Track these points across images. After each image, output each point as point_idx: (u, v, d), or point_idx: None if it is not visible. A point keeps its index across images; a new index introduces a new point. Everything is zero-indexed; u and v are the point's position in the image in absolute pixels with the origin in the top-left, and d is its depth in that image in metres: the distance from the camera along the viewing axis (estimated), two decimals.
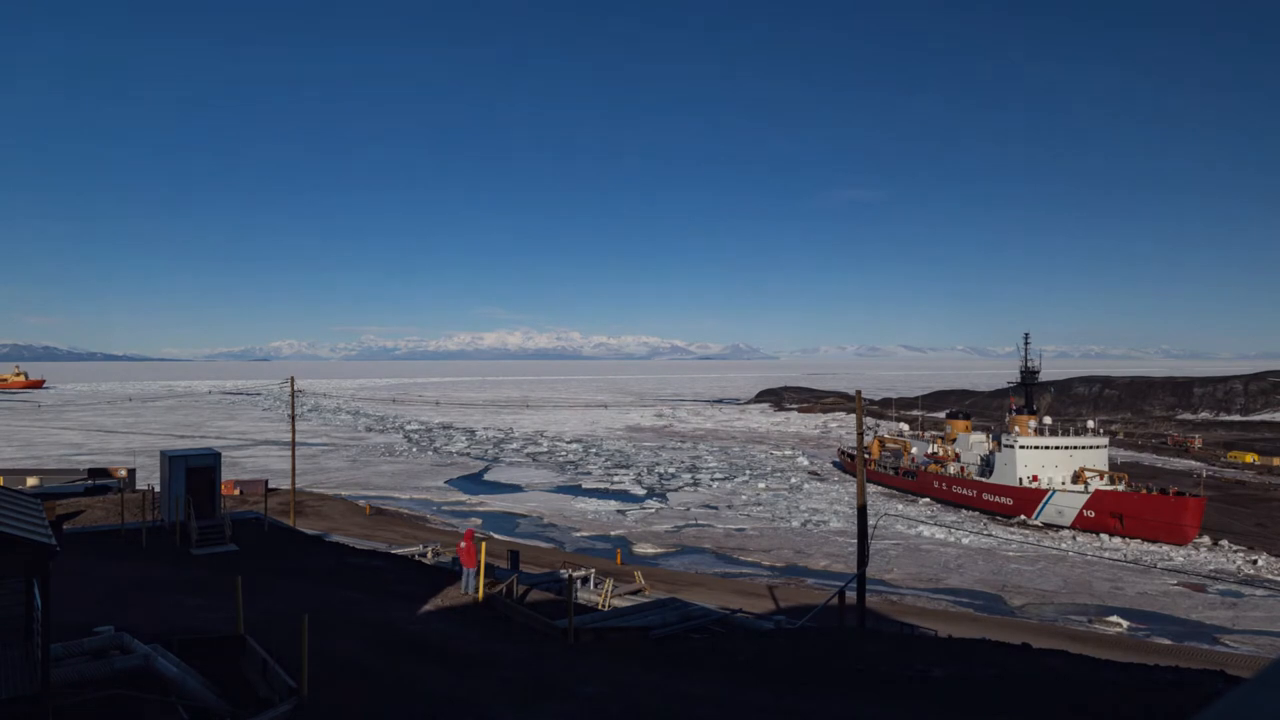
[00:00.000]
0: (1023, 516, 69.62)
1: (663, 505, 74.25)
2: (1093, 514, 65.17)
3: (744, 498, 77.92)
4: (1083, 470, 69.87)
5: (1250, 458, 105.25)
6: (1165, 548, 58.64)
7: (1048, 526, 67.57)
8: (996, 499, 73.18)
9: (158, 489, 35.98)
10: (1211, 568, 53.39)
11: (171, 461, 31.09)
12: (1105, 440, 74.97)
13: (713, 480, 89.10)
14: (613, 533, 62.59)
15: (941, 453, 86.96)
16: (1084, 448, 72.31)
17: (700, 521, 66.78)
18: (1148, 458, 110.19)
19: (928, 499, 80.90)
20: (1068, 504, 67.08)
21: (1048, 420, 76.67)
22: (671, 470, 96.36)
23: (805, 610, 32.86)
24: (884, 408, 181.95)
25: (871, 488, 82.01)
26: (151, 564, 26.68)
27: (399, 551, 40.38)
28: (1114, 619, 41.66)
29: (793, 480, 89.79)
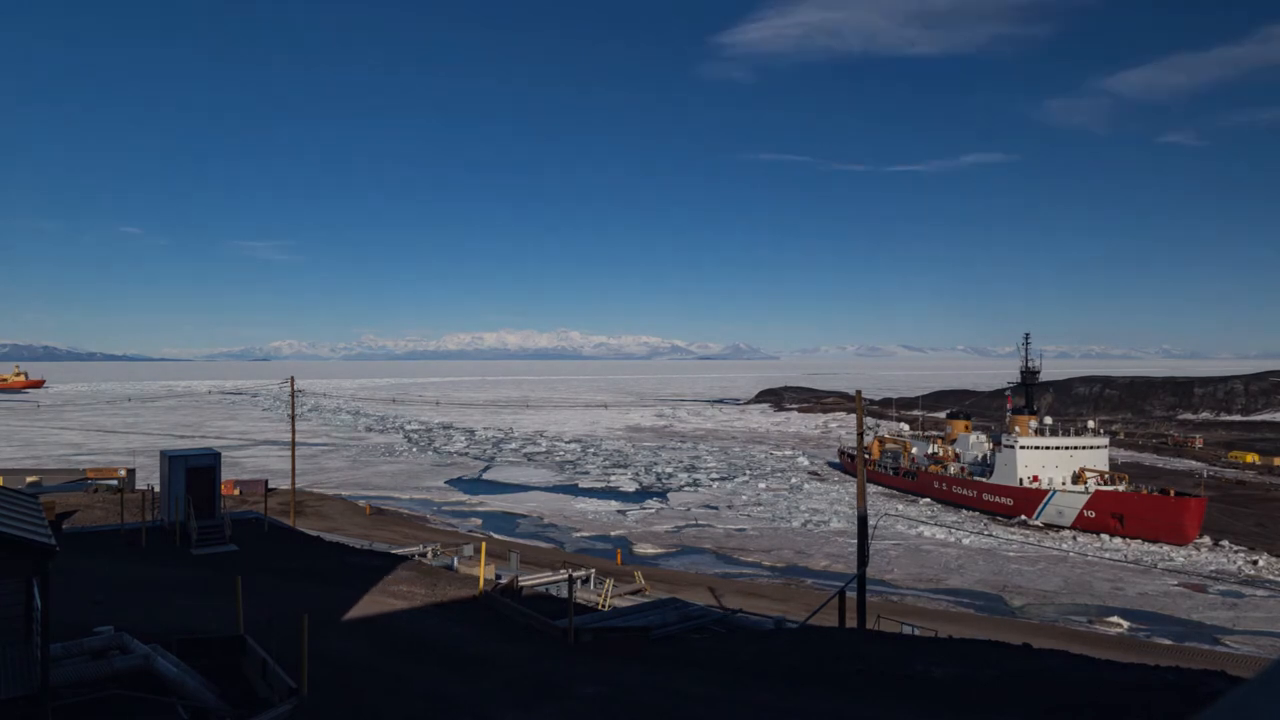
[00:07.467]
0: (1023, 517, 69.59)
1: (663, 505, 74.24)
2: (1093, 514, 65.13)
3: (744, 498, 77.91)
4: (1083, 470, 69.84)
5: (1251, 458, 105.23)
6: (1166, 548, 58.62)
7: (1048, 527, 67.53)
8: (996, 499, 73.14)
9: (158, 489, 35.98)
10: (1212, 568, 53.38)
11: (171, 461, 31.09)
12: (1105, 440, 74.93)
13: (713, 480, 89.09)
14: (613, 533, 62.59)
15: (941, 453, 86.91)
16: (1084, 448, 72.26)
17: (700, 522, 66.77)
18: (1148, 458, 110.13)
19: (928, 499, 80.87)
20: (1068, 504, 67.04)
21: (1048, 420, 76.61)
22: (671, 470, 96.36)
23: (805, 610, 32.85)
24: (884, 408, 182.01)
25: (872, 488, 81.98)
26: (151, 564, 26.67)
27: (399, 552, 40.36)
28: (1114, 619, 41.67)
29: (793, 480, 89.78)
